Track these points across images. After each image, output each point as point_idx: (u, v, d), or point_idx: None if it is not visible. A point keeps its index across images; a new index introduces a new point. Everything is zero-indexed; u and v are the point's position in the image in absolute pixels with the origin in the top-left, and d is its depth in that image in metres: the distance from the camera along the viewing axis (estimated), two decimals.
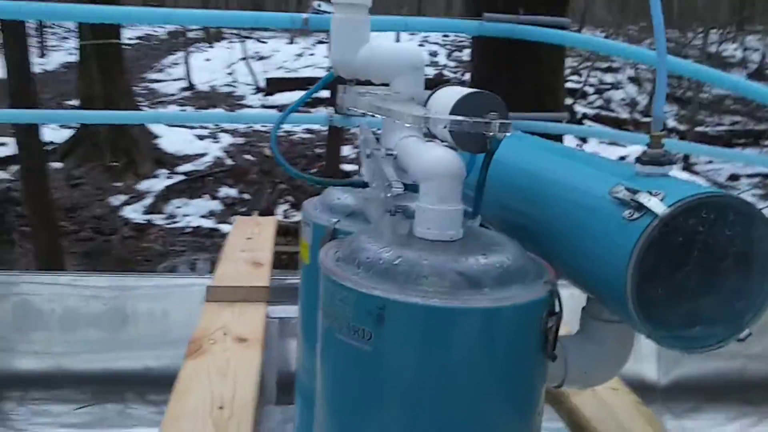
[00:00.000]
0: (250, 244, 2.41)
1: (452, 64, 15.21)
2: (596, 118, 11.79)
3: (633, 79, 13.62)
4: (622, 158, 8.73)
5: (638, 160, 1.04)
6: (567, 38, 2.68)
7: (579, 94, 12.53)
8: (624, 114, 12.12)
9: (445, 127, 1.08)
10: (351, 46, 1.33)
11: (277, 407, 1.90)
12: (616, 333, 1.09)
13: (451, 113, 1.09)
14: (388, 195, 1.13)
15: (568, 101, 12.14)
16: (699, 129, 10.71)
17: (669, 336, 0.94)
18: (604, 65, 13.85)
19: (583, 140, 9.96)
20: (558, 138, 3.07)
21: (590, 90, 13.20)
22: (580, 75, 13.53)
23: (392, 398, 0.96)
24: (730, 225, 0.92)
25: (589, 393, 1.45)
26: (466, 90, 1.14)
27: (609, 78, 13.76)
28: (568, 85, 13.08)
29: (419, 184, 1.06)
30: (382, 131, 1.32)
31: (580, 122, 11.32)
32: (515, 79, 2.94)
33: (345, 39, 1.34)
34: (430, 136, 1.22)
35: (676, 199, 0.90)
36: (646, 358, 2.28)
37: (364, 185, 1.26)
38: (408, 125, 1.20)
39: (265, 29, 17.30)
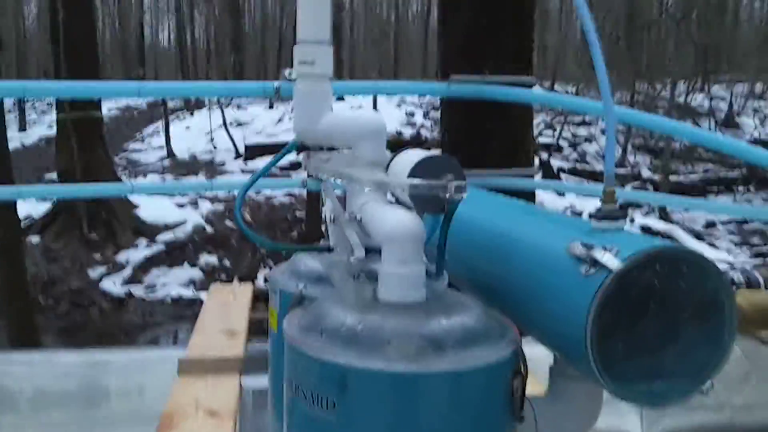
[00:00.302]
0: (225, 313, 2.39)
1: (429, 123, 15.49)
2: (573, 171, 11.99)
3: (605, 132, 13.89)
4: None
5: (592, 215, 1.06)
6: (531, 96, 2.75)
7: (554, 148, 12.77)
8: (599, 166, 12.33)
9: (403, 191, 1.10)
10: (314, 115, 1.36)
11: None
12: (585, 390, 1.08)
13: (409, 176, 1.11)
14: (351, 259, 1.14)
15: (544, 155, 12.36)
16: (673, 178, 10.91)
17: (632, 391, 0.94)
18: (578, 119, 14.18)
19: (561, 194, 10.10)
20: (531, 193, 3.11)
21: (565, 144, 13.46)
22: (554, 129, 13.82)
23: None
24: (685, 277, 0.93)
25: None
26: (425, 153, 1.16)
27: (583, 131, 14.07)
28: (544, 139, 13.36)
29: (381, 248, 1.07)
30: (347, 196, 1.34)
31: (557, 176, 11.49)
32: (485, 137, 3.00)
33: (308, 108, 1.37)
34: (393, 199, 1.24)
35: (630, 253, 0.91)
36: (629, 411, 2.25)
37: (330, 250, 1.26)
38: (369, 189, 1.21)
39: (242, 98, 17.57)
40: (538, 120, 14.70)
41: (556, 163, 12.15)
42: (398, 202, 1.21)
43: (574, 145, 13.43)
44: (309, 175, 1.67)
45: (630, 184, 10.60)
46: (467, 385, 0.94)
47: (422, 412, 0.93)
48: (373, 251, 1.17)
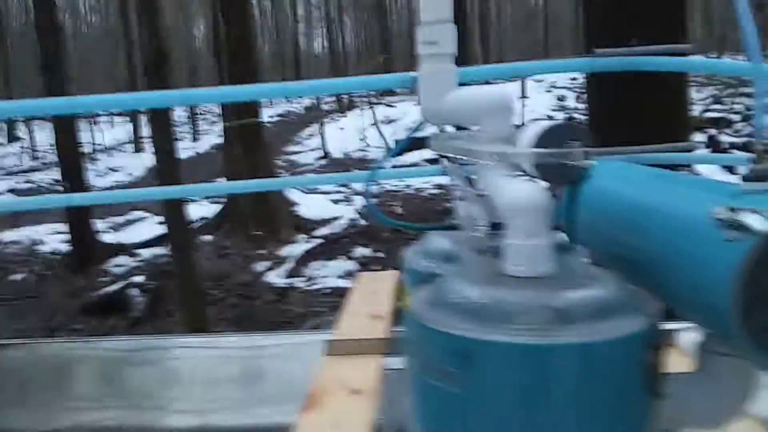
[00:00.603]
0: (370, 298, 2.45)
1: (582, 106, 14.87)
2: (745, 147, 10.94)
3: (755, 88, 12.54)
4: None
5: (743, 177, 0.96)
6: (684, 64, 2.55)
7: (724, 123, 11.74)
8: None
9: (528, 162, 1.07)
10: (439, 94, 1.36)
11: None
12: (735, 367, 0.99)
13: (535, 147, 1.08)
14: (476, 234, 1.12)
15: (713, 131, 11.41)
16: None
17: None
18: (750, 90, 12.92)
19: (730, 169, 9.25)
20: (687, 169, 2.89)
21: (736, 118, 12.32)
22: (722, 103, 12.71)
23: None
24: None
25: None
26: (551, 123, 1.12)
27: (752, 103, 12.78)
28: (711, 114, 12.32)
29: (506, 221, 1.05)
30: (477, 173, 1.32)
31: (727, 152, 10.56)
32: (634, 112, 2.83)
33: (432, 88, 1.37)
34: (522, 173, 1.21)
35: None
36: None
37: (454, 228, 1.26)
38: (495, 164, 1.19)
39: (393, 93, 17.95)
40: (705, 94, 13.59)
41: (726, 138, 11.17)
42: (528, 177, 1.18)
43: (746, 119, 12.26)
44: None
45: None
46: (597, 358, 0.89)
47: (549, 385, 0.89)
48: (501, 227, 1.15)
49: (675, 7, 2.94)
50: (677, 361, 1.58)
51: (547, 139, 1.06)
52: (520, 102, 14.08)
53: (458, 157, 1.36)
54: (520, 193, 1.03)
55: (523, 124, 1.24)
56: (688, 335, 1.08)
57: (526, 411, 0.91)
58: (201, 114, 22.85)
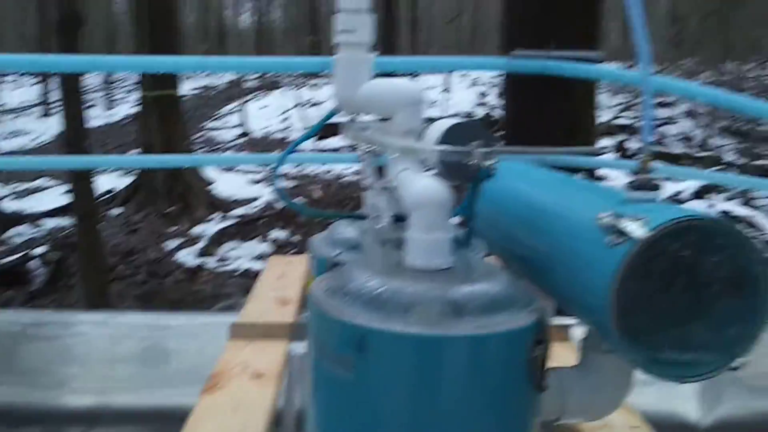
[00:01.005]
0: (280, 283, 2.44)
1: (502, 103, 15.21)
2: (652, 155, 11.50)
3: (689, 113, 13.31)
4: (677, 194, 8.49)
5: (628, 185, 1.02)
6: (598, 73, 2.66)
7: (630, 130, 12.32)
8: (679, 149, 11.83)
9: (432, 158, 1.09)
10: (353, 83, 1.37)
11: None
12: (615, 364, 1.06)
13: (439, 143, 1.11)
14: (379, 226, 1.14)
15: (621, 137, 11.95)
16: (758, 162, 10.34)
17: (658, 365, 0.91)
18: (659, 100, 13.59)
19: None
20: (590, 172, 3.02)
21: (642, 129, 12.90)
22: (633, 110, 13.32)
23: (375, 428, 0.96)
24: (717, 249, 0.89)
25: (607, 431, 1.40)
26: (457, 120, 1.15)
27: (664, 113, 13.49)
28: (620, 121, 12.89)
29: (409, 214, 1.07)
30: (387, 165, 1.34)
31: (633, 158, 11.08)
32: (545, 115, 2.93)
33: (347, 76, 1.38)
34: (428, 168, 1.24)
35: (658, 223, 0.88)
36: (686, 395, 2.18)
37: (363, 218, 1.27)
38: (402, 157, 1.21)
39: (319, 76, 17.79)
40: (615, 102, 14.19)
41: (632, 145, 11.72)
42: (433, 172, 1.21)
43: (654, 127, 12.90)
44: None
45: (713, 168, 10.13)
46: (485, 351, 0.93)
47: (439, 376, 0.93)
48: (404, 219, 1.18)
49: (590, 15, 3.06)
50: (568, 356, 1.67)
51: (451, 136, 1.09)
52: (443, 96, 14.27)
53: (369, 146, 1.38)
54: (423, 187, 1.06)
55: (433, 119, 1.27)
56: (580, 331, 1.14)
57: (417, 399, 0.94)
58: (117, 82, 21.91)
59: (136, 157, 5.12)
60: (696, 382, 0.92)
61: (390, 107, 1.33)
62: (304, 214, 8.10)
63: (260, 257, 7.00)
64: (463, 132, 1.10)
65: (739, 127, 12.04)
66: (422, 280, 1.00)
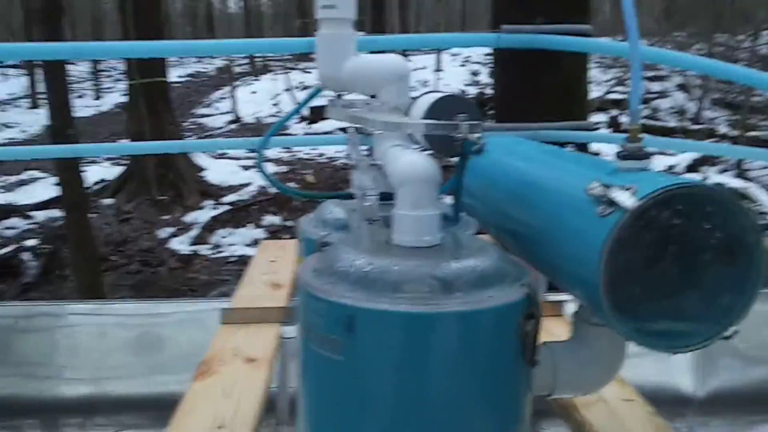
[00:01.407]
0: (272, 267, 2.43)
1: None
2: (643, 128, 11.48)
3: (681, 87, 13.27)
4: (671, 167, 8.48)
5: (617, 155, 1.00)
6: (585, 45, 2.63)
7: (624, 105, 12.27)
8: (672, 122, 11.80)
9: (418, 132, 1.07)
10: (337, 60, 1.34)
11: (291, 427, 1.90)
12: (606, 337, 1.04)
13: (425, 118, 1.09)
14: (366, 203, 1.12)
15: (614, 112, 11.92)
16: (752, 134, 10.32)
17: (650, 336, 0.89)
18: (650, 74, 13.54)
19: None
20: (583, 147, 3.00)
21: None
22: (625, 85, 13.28)
23: (366, 409, 0.94)
24: (709, 217, 0.88)
25: (601, 404, 1.39)
26: (442, 94, 1.13)
27: (656, 86, 13.44)
28: (614, 96, 12.84)
29: (395, 191, 1.05)
30: (374, 143, 1.32)
31: (625, 132, 11.04)
32: (536, 90, 2.90)
33: (330, 53, 1.35)
34: (415, 143, 1.21)
35: (648, 192, 0.86)
36: (681, 367, 2.17)
37: (350, 197, 1.25)
38: (388, 134, 1.19)
39: (309, 59, 17.64)
40: (609, 76, 14.13)
41: (626, 119, 11.71)
42: (420, 148, 1.18)
43: (646, 101, 12.86)
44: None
45: (706, 140, 10.11)
46: (475, 327, 0.92)
47: (429, 354, 0.91)
48: (392, 197, 1.16)
49: None
50: (562, 331, 1.66)
51: (437, 110, 1.07)
52: (435, 75, 14.18)
53: (355, 125, 1.36)
54: (410, 164, 1.04)
55: (419, 95, 1.24)
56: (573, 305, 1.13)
57: (408, 378, 0.92)
58: (105, 71, 21.70)
59: (123, 144, 5.06)
60: (688, 352, 0.90)
61: (375, 83, 1.30)
62: (288, 194, 8.05)
63: (255, 243, 6.97)
64: (449, 106, 1.08)
65: (732, 99, 12.02)
66: (410, 257, 0.98)
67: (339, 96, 1.39)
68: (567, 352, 1.07)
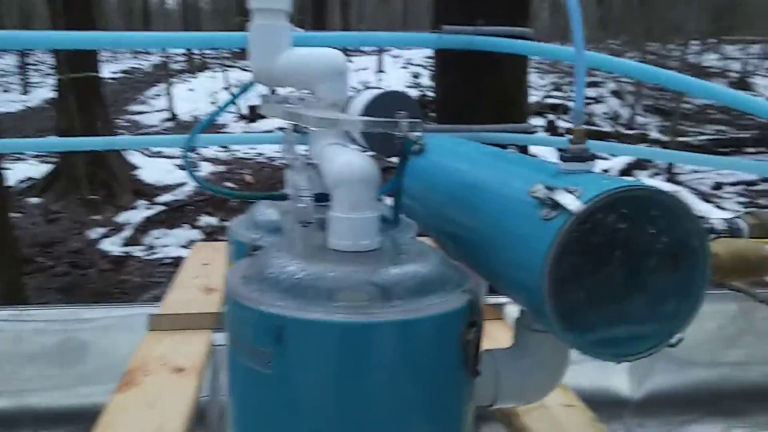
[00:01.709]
0: (204, 270, 2.32)
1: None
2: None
3: (615, 93, 13.67)
4: (605, 170, 8.70)
5: (561, 157, 0.97)
6: (526, 48, 2.63)
7: (562, 109, 12.56)
8: (607, 127, 12.13)
9: (356, 130, 1.02)
10: (270, 53, 1.27)
11: None
12: (550, 344, 1.01)
13: (363, 115, 1.03)
14: (300, 205, 1.06)
15: (551, 117, 12.17)
16: (682, 139, 10.71)
17: (595, 345, 0.86)
18: (586, 80, 13.89)
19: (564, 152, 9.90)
20: (523, 150, 3.01)
21: (572, 105, 13.18)
22: (562, 90, 13.59)
23: (298, 427, 0.88)
24: (655, 220, 0.85)
25: (542, 410, 1.37)
26: (381, 91, 1.07)
27: (591, 92, 13.80)
28: (551, 101, 13.12)
29: (331, 193, 0.99)
30: (310, 141, 1.25)
31: (563, 136, 11.30)
32: (477, 92, 2.89)
33: (264, 45, 1.28)
34: (353, 142, 1.16)
35: (593, 194, 0.82)
36: (616, 370, 2.19)
37: (284, 198, 1.18)
38: (324, 132, 1.13)
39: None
40: (546, 81, 14.44)
41: (562, 124, 11.94)
42: (359, 147, 1.13)
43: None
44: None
45: (638, 145, 10.43)
46: (415, 336, 0.87)
47: (366, 366, 0.86)
48: (328, 198, 1.10)
49: None
50: (503, 334, 1.64)
51: (376, 107, 1.02)
52: (376, 77, 14.17)
53: (290, 122, 1.29)
54: (347, 163, 0.98)
55: (357, 92, 1.18)
56: (514, 309, 1.10)
57: (343, 393, 0.86)
58: (33, 65, 20.81)
59: (46, 140, 4.78)
60: (634, 360, 0.87)
61: (311, 78, 1.23)
62: (217, 194, 7.86)
63: (190, 244, 6.77)
64: (388, 103, 1.02)
65: (663, 105, 12.46)
66: (346, 262, 0.92)
67: (273, 91, 1.32)
68: (509, 360, 1.03)
